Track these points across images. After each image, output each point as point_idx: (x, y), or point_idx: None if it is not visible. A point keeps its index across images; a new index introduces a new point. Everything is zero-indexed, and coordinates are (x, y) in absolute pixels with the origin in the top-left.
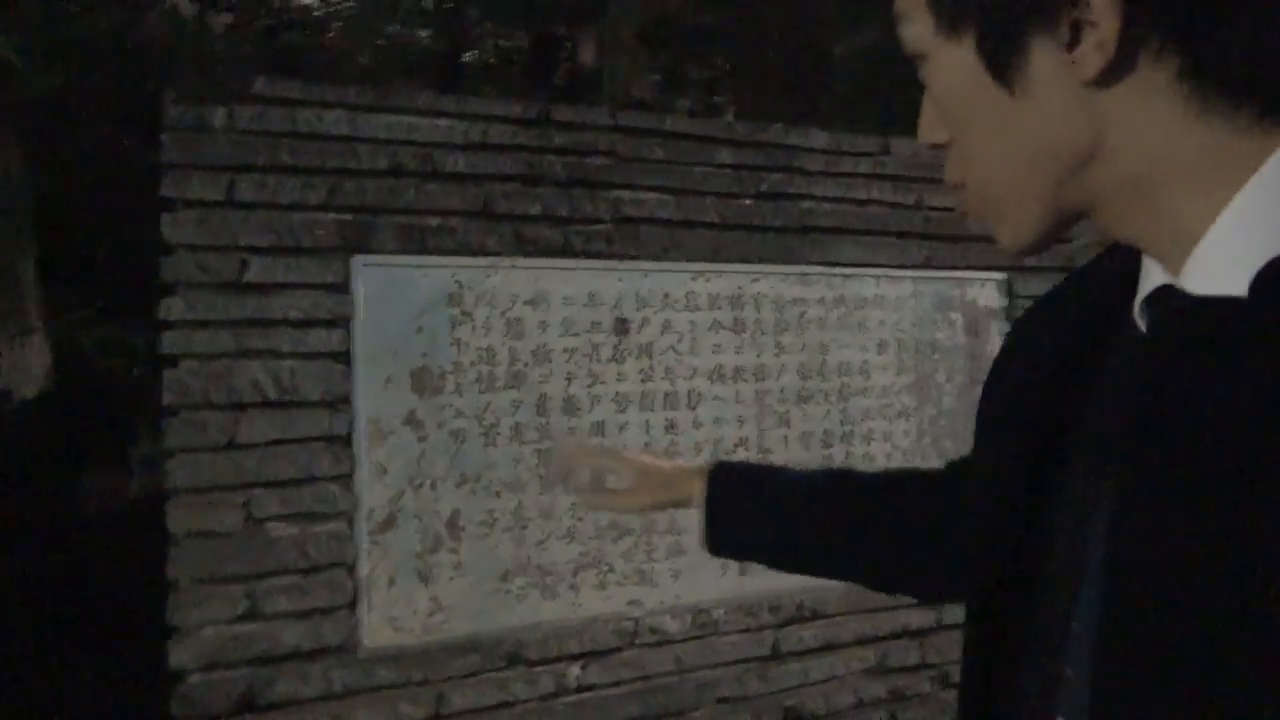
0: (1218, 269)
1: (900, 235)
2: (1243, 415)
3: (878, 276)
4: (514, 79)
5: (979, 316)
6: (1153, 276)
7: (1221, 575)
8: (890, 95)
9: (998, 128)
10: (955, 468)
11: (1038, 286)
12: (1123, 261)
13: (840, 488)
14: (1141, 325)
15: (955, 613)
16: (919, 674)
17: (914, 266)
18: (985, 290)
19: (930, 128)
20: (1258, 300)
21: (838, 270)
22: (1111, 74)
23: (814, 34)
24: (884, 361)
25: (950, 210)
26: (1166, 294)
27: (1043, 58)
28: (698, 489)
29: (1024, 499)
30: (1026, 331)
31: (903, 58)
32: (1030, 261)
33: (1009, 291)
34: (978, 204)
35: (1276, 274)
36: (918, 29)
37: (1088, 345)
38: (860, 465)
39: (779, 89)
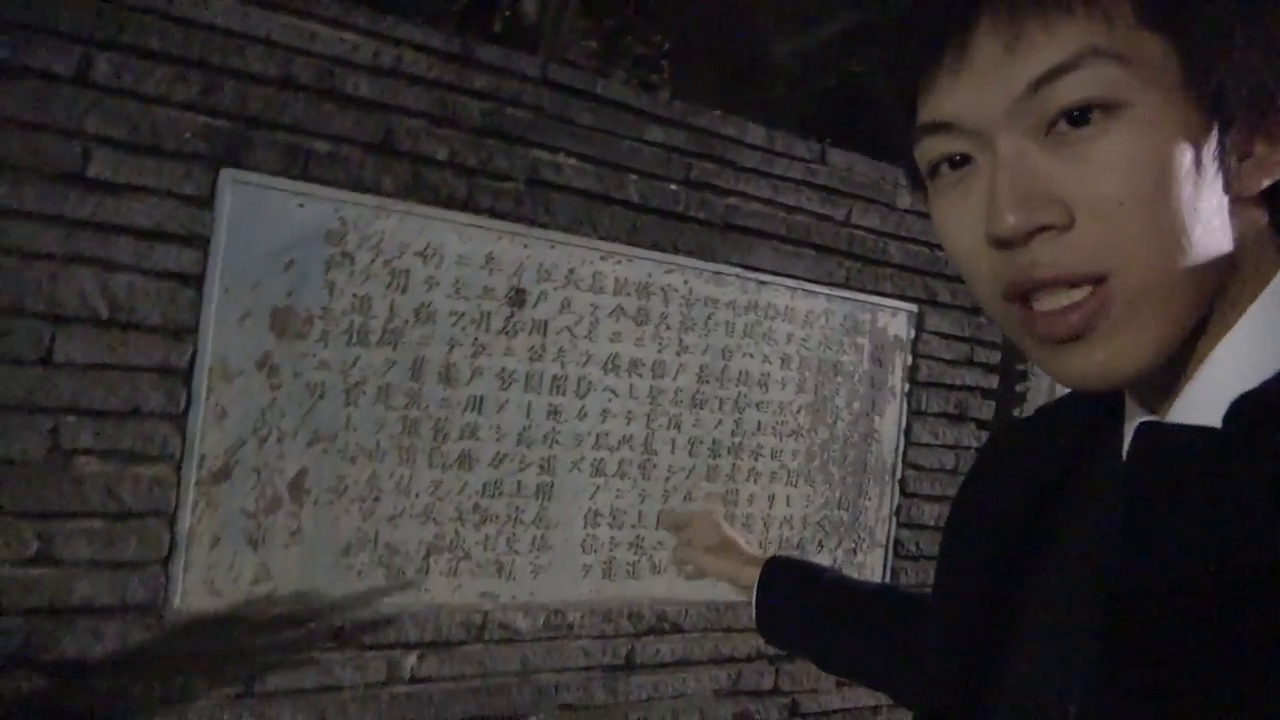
0: (1197, 402)
1: (822, 249)
2: (1218, 548)
3: (793, 288)
4: (450, 18)
5: (885, 345)
6: (1136, 419)
7: (1210, 691)
8: (824, 104)
9: (1183, 213)
10: None
11: (948, 324)
12: (1104, 398)
13: (879, 603)
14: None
15: None
16: (769, 700)
17: (831, 284)
18: (896, 319)
19: (1033, 205)
20: (1229, 429)
21: (754, 275)
22: (1250, 200)
23: (756, 29)
24: (785, 376)
25: (875, 231)
26: (1147, 428)
27: (1228, 153)
28: (754, 579)
29: (991, 630)
30: (998, 459)
31: (842, 70)
32: (943, 298)
33: (919, 324)
34: (1116, 303)
35: (1248, 405)
36: (1131, 76)
37: (1066, 479)
38: (745, 479)
39: (715, 77)
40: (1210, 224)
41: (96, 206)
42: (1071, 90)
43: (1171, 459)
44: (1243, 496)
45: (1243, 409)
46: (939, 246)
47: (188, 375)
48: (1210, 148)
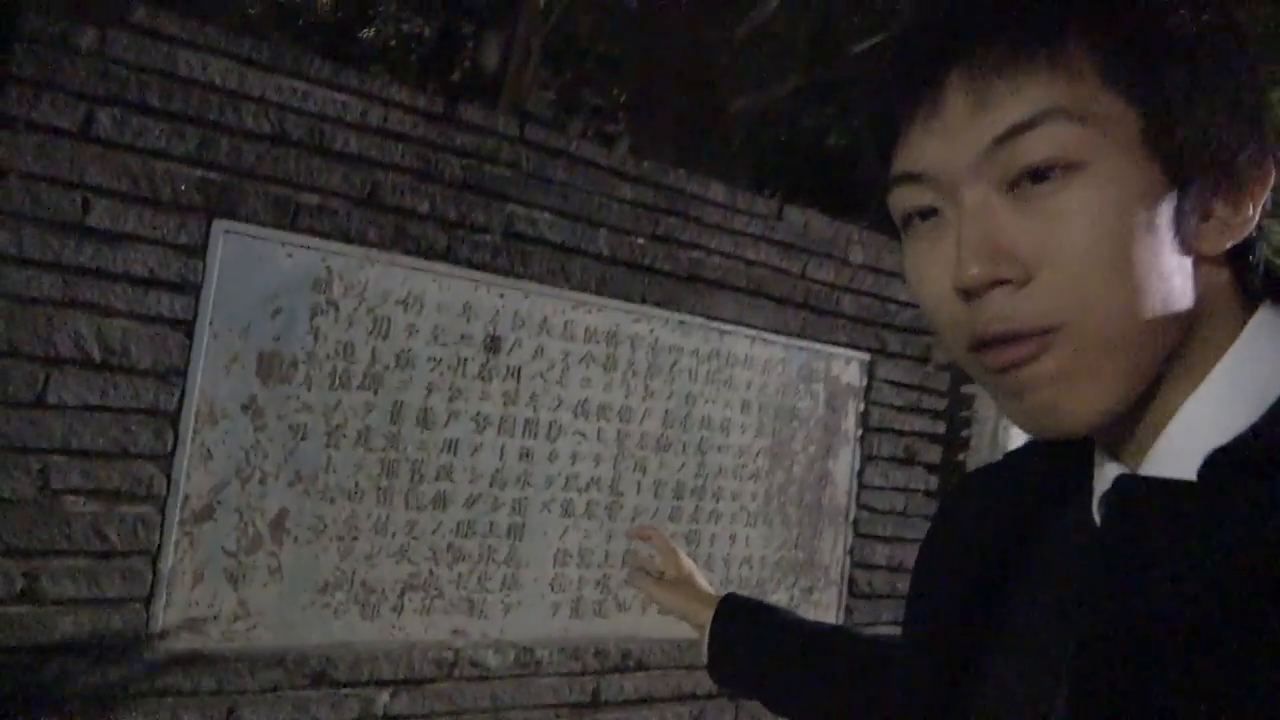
0: (1171, 455)
1: (779, 301)
2: (1194, 600)
3: (752, 337)
4: (410, 66)
5: (839, 392)
6: (1107, 470)
7: None
8: (778, 158)
9: (1141, 268)
10: None
11: (898, 373)
12: (1072, 445)
13: (832, 644)
14: (1098, 517)
15: None
16: None
17: (788, 334)
18: (849, 367)
19: (992, 258)
20: (1205, 483)
21: (716, 324)
22: (1212, 259)
23: (713, 85)
24: (745, 421)
25: (829, 284)
26: (1123, 481)
27: (1189, 210)
28: (708, 618)
29: (958, 672)
30: (967, 502)
31: (794, 127)
32: (893, 348)
33: (870, 372)
34: (1068, 348)
35: (1222, 460)
36: (1090, 135)
37: (1034, 523)
38: (707, 520)
39: (673, 131)
40: (1170, 282)
41: (94, 254)
42: (1033, 148)
43: (1148, 513)
44: (1218, 551)
45: (1217, 463)
46: (889, 299)
47: (175, 417)
48: (1168, 208)
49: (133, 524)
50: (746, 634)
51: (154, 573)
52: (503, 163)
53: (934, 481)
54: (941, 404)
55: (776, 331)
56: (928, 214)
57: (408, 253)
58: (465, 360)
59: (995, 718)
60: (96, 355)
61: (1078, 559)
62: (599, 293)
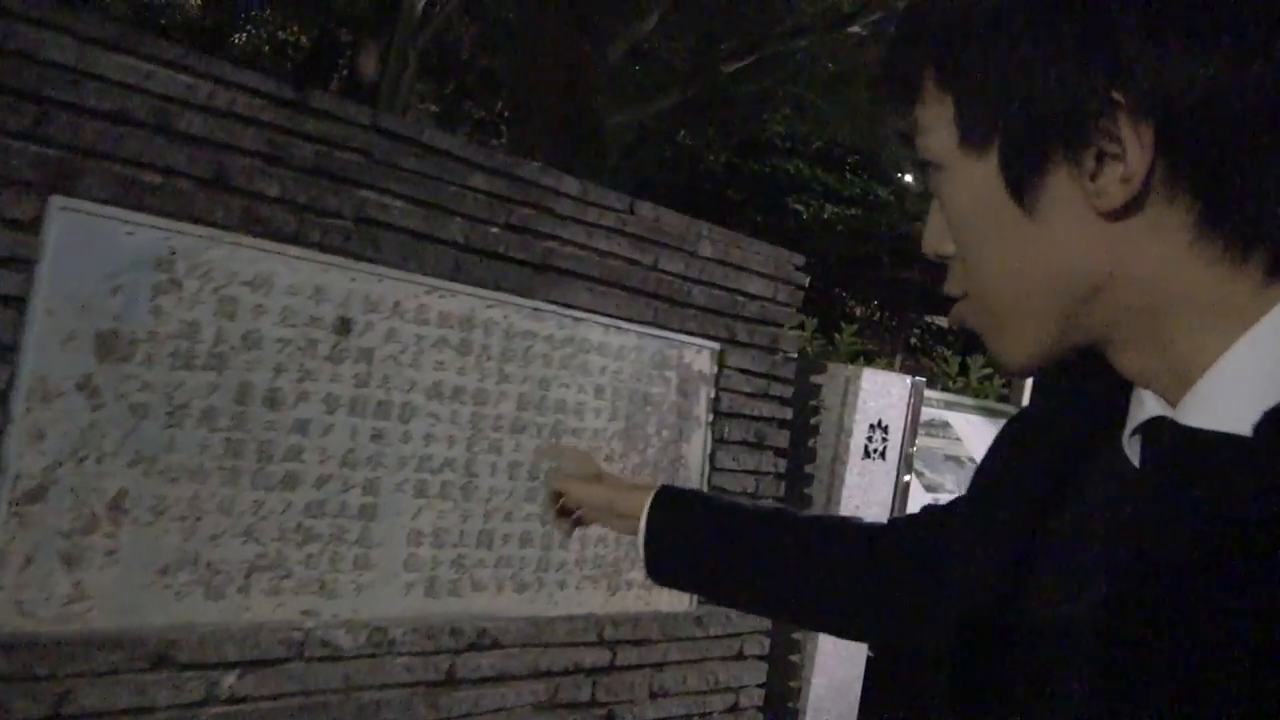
0: (1218, 407)
1: (632, 291)
2: (1238, 559)
3: (606, 325)
4: (285, 74)
5: (690, 378)
6: (1146, 406)
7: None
8: (658, 173)
9: (1010, 247)
10: (892, 527)
11: (747, 361)
12: (1112, 379)
13: (776, 524)
14: (1131, 455)
15: (628, 654)
16: (587, 711)
17: (640, 322)
18: (700, 356)
19: (938, 238)
20: (1261, 441)
21: (570, 312)
22: (1129, 208)
23: (591, 100)
24: (599, 405)
25: (679, 276)
26: (1160, 425)
27: (1063, 183)
28: (641, 508)
29: (1005, 590)
30: (1018, 434)
31: (670, 143)
32: (742, 337)
33: (719, 361)
34: (978, 317)
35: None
36: (939, 140)
37: (1074, 459)
38: None
39: (552, 143)
40: (1060, 251)
41: None
42: (921, 152)
43: (1194, 465)
44: (1267, 510)
45: (1275, 421)
46: (738, 291)
47: (5, 396)
48: (1001, 195)
49: None
50: (686, 522)
51: None
52: (354, 149)
53: (782, 464)
54: (789, 391)
55: (629, 320)
56: None
57: (256, 235)
58: (316, 342)
59: (1031, 642)
60: None
61: (1112, 494)
62: (453, 279)
